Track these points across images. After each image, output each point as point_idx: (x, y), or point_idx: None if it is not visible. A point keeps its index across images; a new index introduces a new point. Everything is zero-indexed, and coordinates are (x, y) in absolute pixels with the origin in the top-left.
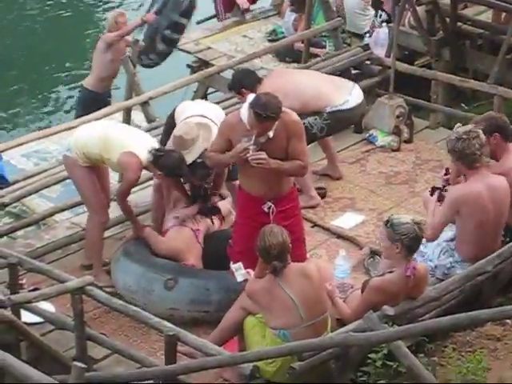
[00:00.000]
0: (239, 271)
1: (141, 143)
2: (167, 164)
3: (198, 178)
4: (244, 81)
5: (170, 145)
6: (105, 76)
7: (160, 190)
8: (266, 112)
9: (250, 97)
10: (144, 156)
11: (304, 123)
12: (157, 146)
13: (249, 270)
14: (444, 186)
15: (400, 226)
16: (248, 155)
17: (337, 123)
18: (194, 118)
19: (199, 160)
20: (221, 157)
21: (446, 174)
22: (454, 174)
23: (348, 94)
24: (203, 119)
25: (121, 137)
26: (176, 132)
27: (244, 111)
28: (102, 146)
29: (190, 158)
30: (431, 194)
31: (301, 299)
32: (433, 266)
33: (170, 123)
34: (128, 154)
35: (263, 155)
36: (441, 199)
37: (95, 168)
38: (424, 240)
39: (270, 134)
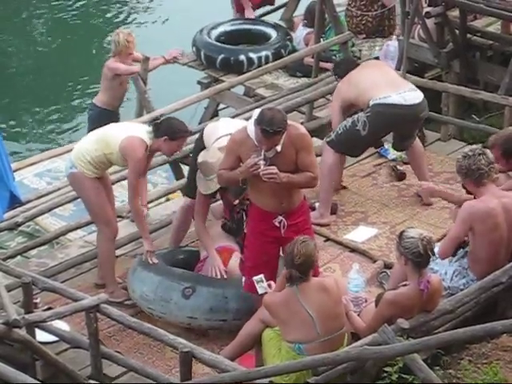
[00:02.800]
0: (260, 284)
1: (138, 128)
2: (169, 124)
3: (233, 195)
4: (336, 69)
5: (199, 176)
6: (115, 96)
7: (187, 211)
8: (273, 127)
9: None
10: (145, 135)
11: (353, 119)
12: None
13: (270, 283)
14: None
15: (405, 239)
16: (259, 170)
17: (377, 118)
18: (222, 140)
19: None
20: (231, 174)
21: None
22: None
23: (394, 91)
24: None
25: (117, 129)
26: (200, 159)
27: (251, 127)
28: (101, 145)
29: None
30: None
31: (318, 314)
32: (445, 287)
33: (199, 146)
34: (128, 138)
35: (274, 170)
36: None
37: (101, 180)
38: (434, 256)
39: (278, 148)
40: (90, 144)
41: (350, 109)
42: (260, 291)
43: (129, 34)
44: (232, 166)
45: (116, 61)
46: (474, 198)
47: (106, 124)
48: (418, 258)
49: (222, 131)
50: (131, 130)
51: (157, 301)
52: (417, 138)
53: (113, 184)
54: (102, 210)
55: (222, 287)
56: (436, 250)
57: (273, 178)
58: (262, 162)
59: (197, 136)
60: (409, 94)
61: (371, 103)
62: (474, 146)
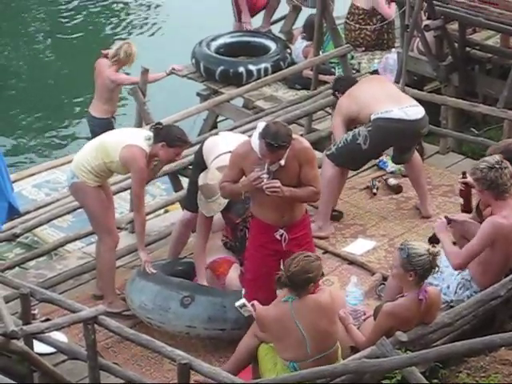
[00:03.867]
0: (244, 308)
1: (136, 135)
2: (168, 131)
3: (235, 214)
4: (336, 85)
5: (200, 198)
6: (114, 104)
7: (186, 224)
8: (277, 141)
9: (260, 125)
10: (143, 143)
11: (354, 132)
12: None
13: (254, 302)
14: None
15: (417, 257)
16: (262, 184)
17: (378, 132)
18: (221, 158)
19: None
20: (233, 187)
21: (463, 177)
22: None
23: (395, 106)
24: (228, 157)
25: (115, 137)
26: (200, 182)
27: (255, 140)
28: (101, 154)
29: (224, 200)
30: (432, 243)
31: (311, 334)
32: (448, 301)
33: (198, 160)
34: (127, 147)
35: (277, 183)
36: (479, 214)
37: (103, 189)
38: (434, 271)
39: (282, 162)
40: (90, 153)
41: (351, 124)
42: (246, 314)
43: (130, 46)
44: (235, 179)
45: (115, 70)
46: (491, 212)
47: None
48: (428, 272)
49: (222, 148)
50: (130, 138)
51: (155, 310)
52: (415, 152)
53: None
54: (104, 219)
55: (220, 296)
56: (443, 261)
57: (275, 192)
58: (265, 176)
59: (196, 148)
60: (411, 110)
61: (373, 117)
62: (497, 158)
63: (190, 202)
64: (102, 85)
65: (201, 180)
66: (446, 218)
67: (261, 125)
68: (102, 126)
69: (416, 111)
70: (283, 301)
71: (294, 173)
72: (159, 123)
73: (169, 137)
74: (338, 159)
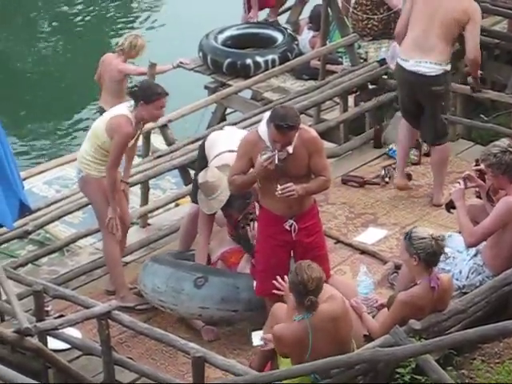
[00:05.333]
0: (256, 337)
1: (118, 108)
2: (142, 89)
3: (236, 210)
4: None
5: (200, 197)
6: (121, 95)
7: (194, 217)
8: (287, 122)
9: (267, 114)
10: (127, 112)
11: None
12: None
13: (265, 337)
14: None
15: (417, 240)
16: (272, 164)
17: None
18: (222, 157)
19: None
20: (244, 177)
21: (476, 165)
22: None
23: (414, 57)
24: (231, 155)
25: (102, 118)
26: (200, 180)
27: (263, 128)
28: (93, 139)
29: (224, 197)
30: (448, 209)
31: (320, 349)
32: (460, 286)
33: (202, 155)
34: (111, 119)
35: (291, 186)
36: (490, 199)
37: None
38: (445, 256)
39: (290, 149)
40: (86, 144)
41: None
42: (255, 343)
43: (145, 44)
44: (244, 170)
45: (122, 61)
46: (506, 194)
47: None
48: (432, 257)
49: (223, 147)
50: (113, 112)
51: (168, 292)
52: (446, 144)
53: None
54: (107, 209)
55: (233, 277)
56: (457, 240)
57: (291, 195)
58: (276, 156)
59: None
60: (421, 65)
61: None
62: (507, 141)
63: (196, 195)
64: (110, 77)
65: (200, 178)
66: (464, 179)
67: (267, 114)
68: None
69: (426, 67)
70: (299, 320)
71: (303, 161)
72: (134, 86)
73: (144, 94)
74: None
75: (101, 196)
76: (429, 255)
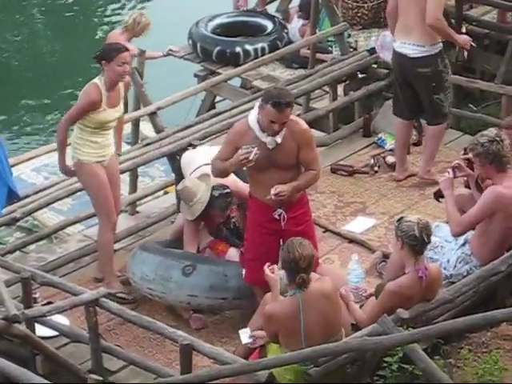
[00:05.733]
0: (245, 334)
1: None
2: (101, 50)
3: (218, 209)
4: None
5: (182, 205)
6: None
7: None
8: (284, 99)
9: (255, 105)
10: (97, 80)
11: None
12: None
13: (254, 334)
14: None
15: (403, 223)
16: (249, 164)
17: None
18: (200, 169)
19: (215, 194)
20: (222, 164)
21: (464, 153)
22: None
23: (400, 39)
24: (207, 168)
25: None
26: (179, 187)
27: (253, 118)
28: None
29: (205, 198)
30: (437, 198)
31: (319, 322)
32: (448, 275)
33: (178, 172)
34: (82, 90)
35: (280, 189)
36: (479, 188)
37: (106, 169)
38: (433, 245)
39: (279, 139)
40: (74, 129)
41: None
42: (244, 340)
43: (149, 23)
44: (228, 157)
45: (125, 38)
46: (493, 183)
47: None
48: (414, 241)
49: (200, 161)
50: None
51: (157, 280)
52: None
53: None
54: (100, 197)
55: (222, 265)
56: (444, 229)
57: (282, 196)
58: (253, 154)
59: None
60: (407, 46)
61: None
62: (495, 131)
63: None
64: None
65: (179, 186)
66: (453, 168)
67: (256, 104)
68: None
69: (409, 48)
70: (290, 295)
71: (292, 153)
72: (96, 52)
73: (104, 54)
74: None
75: (94, 181)
76: (410, 238)
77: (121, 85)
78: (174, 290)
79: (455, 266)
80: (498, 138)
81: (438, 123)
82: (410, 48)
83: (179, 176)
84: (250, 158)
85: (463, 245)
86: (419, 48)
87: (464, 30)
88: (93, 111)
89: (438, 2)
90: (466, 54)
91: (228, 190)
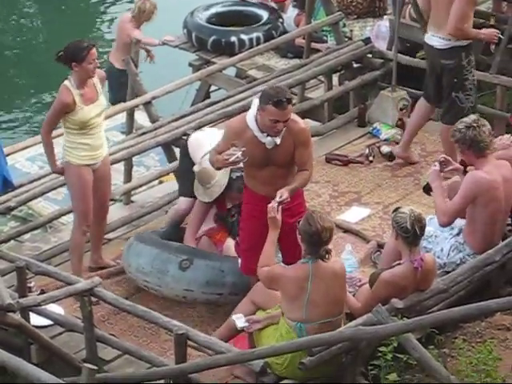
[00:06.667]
0: (240, 319)
1: None
2: (68, 51)
3: (235, 191)
4: None
5: (198, 187)
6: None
7: (185, 214)
8: (285, 96)
9: (255, 101)
10: (67, 82)
11: None
12: None
13: (252, 318)
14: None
15: (397, 214)
16: (230, 166)
17: None
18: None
19: (233, 176)
20: (214, 159)
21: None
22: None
23: (430, 31)
24: None
25: None
26: (197, 169)
27: (251, 117)
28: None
29: (224, 180)
30: (427, 192)
31: (323, 298)
32: (441, 264)
33: (185, 153)
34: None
35: (281, 192)
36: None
37: (92, 172)
38: (427, 235)
39: (278, 140)
40: (64, 134)
41: None
42: (240, 325)
43: (154, 7)
44: (223, 151)
45: (133, 26)
46: (476, 169)
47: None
48: (406, 233)
49: (207, 148)
50: None
51: (153, 273)
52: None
53: None
54: (80, 200)
55: (219, 261)
56: (433, 221)
57: (286, 202)
58: (234, 157)
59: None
60: (433, 38)
61: None
62: (474, 117)
63: (186, 189)
64: (120, 38)
65: (197, 167)
66: (440, 162)
67: (253, 107)
68: (117, 76)
69: (436, 40)
70: (302, 262)
71: (288, 151)
72: (58, 52)
73: (73, 55)
74: None
75: (77, 183)
76: (402, 230)
77: (95, 79)
78: (170, 284)
79: (448, 255)
80: (474, 124)
81: (447, 123)
82: (438, 40)
83: (186, 159)
84: (230, 160)
85: (457, 234)
86: (445, 41)
87: (492, 23)
88: (69, 112)
89: (460, 12)
90: (493, 47)
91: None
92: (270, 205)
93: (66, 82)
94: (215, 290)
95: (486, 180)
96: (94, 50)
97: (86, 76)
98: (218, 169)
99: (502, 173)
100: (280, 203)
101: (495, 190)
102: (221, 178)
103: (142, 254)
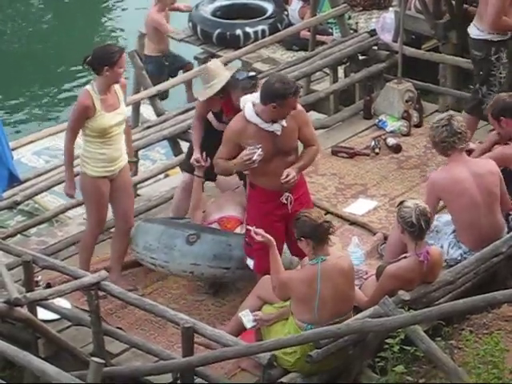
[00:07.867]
0: (247, 318)
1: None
2: (101, 55)
3: (240, 90)
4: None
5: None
6: (160, 41)
7: (186, 188)
8: (294, 85)
9: (247, 103)
10: (88, 86)
11: None
12: None
13: (257, 313)
14: None
15: (402, 208)
16: (253, 165)
17: None
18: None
19: (240, 77)
20: (225, 164)
21: None
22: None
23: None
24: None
25: None
26: (202, 66)
27: (251, 112)
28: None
29: (219, 85)
30: None
31: (333, 296)
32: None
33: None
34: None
35: (288, 171)
36: None
37: (109, 182)
38: (430, 229)
39: (284, 122)
40: (82, 144)
41: None
42: (248, 325)
43: None
44: (231, 155)
45: (158, 9)
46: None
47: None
48: (411, 227)
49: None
50: None
51: (160, 249)
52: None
53: None
54: (95, 212)
55: (226, 235)
56: (444, 216)
57: (293, 180)
58: (256, 155)
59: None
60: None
61: None
62: (443, 115)
63: (189, 164)
64: (147, 24)
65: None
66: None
67: (247, 103)
68: (153, 63)
69: (473, 29)
70: (311, 263)
71: (294, 134)
72: (86, 58)
73: (105, 59)
74: None
75: (93, 194)
76: (408, 225)
77: (116, 86)
78: (177, 259)
79: (448, 252)
80: (435, 125)
81: (467, 112)
82: (474, 30)
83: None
84: (254, 158)
85: (454, 231)
86: (478, 32)
87: None
88: (89, 118)
89: (497, 7)
90: None
91: (254, 74)
92: (281, 198)
93: (88, 87)
94: (222, 264)
95: (441, 179)
96: (124, 55)
97: (114, 81)
98: (230, 173)
99: (470, 167)
100: (287, 182)
101: (459, 184)
102: (220, 81)
103: (150, 231)
